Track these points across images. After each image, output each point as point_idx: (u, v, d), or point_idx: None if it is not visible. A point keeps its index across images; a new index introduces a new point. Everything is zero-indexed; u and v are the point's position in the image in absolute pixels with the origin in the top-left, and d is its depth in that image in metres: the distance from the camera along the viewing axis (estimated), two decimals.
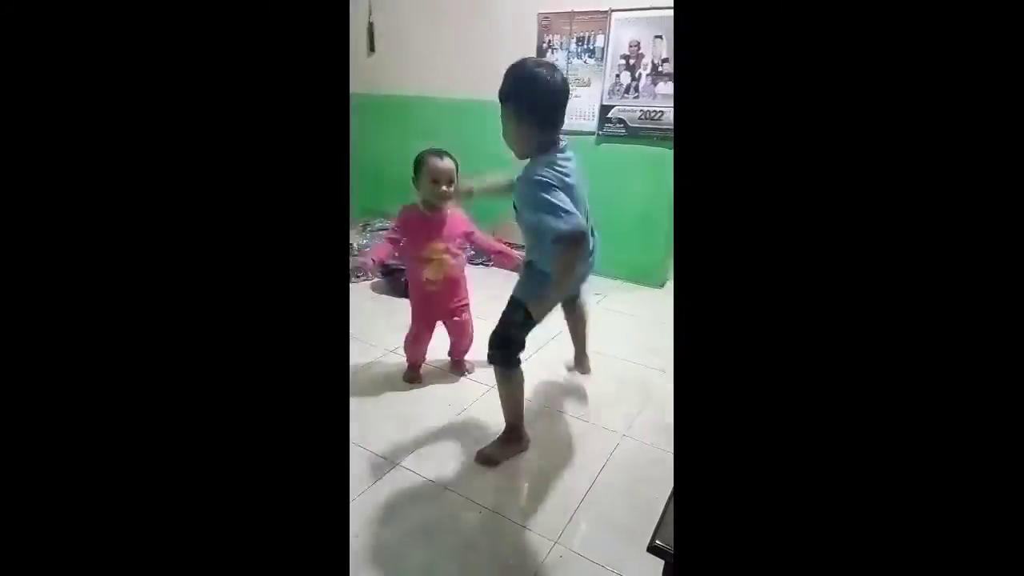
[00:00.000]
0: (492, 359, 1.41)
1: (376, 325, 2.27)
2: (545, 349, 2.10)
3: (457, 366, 1.96)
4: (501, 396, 1.47)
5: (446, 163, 1.61)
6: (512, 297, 1.38)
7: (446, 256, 1.72)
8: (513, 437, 1.51)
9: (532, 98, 1.17)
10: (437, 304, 1.79)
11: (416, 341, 1.87)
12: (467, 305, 1.86)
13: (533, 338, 1.43)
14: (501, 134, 1.26)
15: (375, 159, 3.57)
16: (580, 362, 1.84)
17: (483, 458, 1.48)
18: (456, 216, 1.74)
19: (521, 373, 1.45)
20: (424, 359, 1.92)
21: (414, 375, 1.90)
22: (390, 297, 2.65)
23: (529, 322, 1.35)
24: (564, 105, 1.21)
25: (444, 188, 1.61)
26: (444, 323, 1.84)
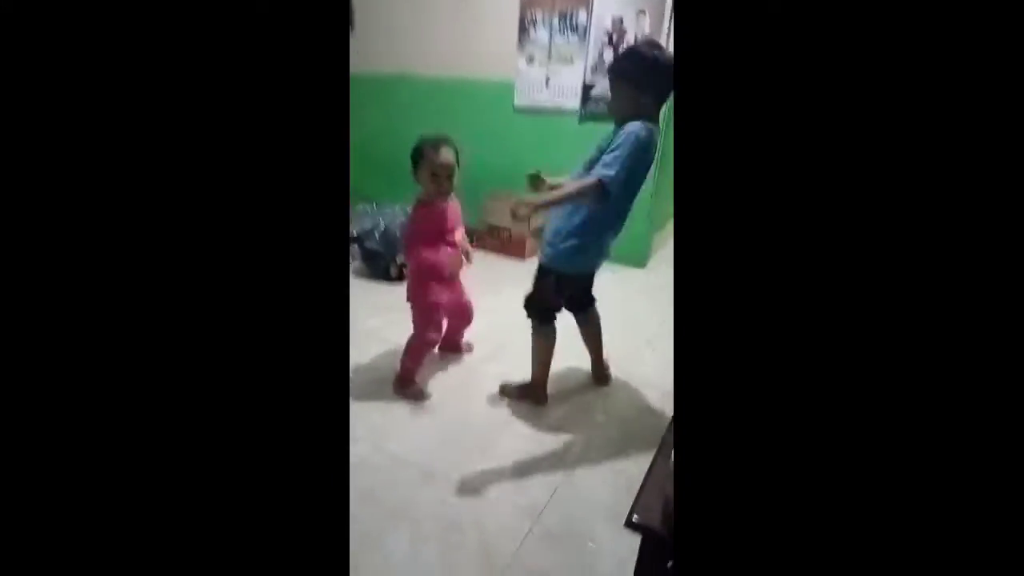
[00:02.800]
0: (529, 315, 1.59)
1: (357, 309, 2.23)
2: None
3: (457, 347, 1.95)
4: (532, 349, 1.63)
5: (444, 156, 1.47)
6: (542, 265, 1.51)
7: (462, 244, 1.63)
8: (532, 390, 1.67)
9: (649, 73, 1.32)
10: (449, 294, 1.69)
11: (430, 344, 1.71)
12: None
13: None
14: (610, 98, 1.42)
15: (354, 140, 3.48)
16: (598, 374, 1.82)
17: (503, 389, 1.72)
18: (456, 205, 1.61)
19: (554, 331, 1.59)
20: None
21: (418, 390, 1.69)
22: (369, 281, 2.62)
23: (567, 285, 1.51)
24: (668, 84, 1.35)
25: (444, 183, 1.49)
26: (447, 310, 1.74)
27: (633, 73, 1.33)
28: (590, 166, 1.38)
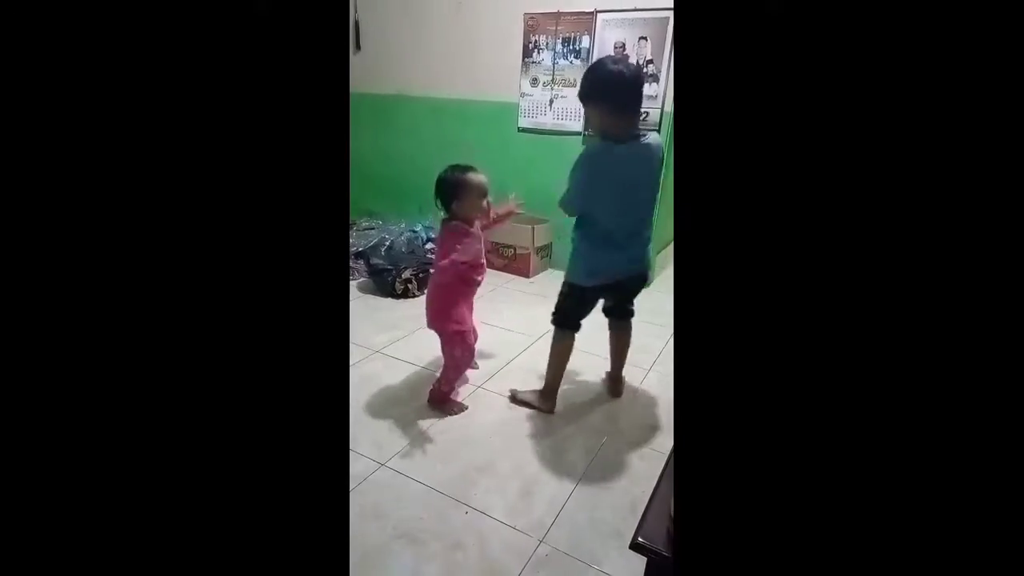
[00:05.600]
0: (553, 321, 1.68)
1: (362, 325, 2.25)
2: (533, 349, 2.11)
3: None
4: (550, 354, 1.70)
5: (482, 176, 1.55)
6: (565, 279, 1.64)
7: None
8: (545, 395, 1.72)
9: (605, 93, 1.36)
10: (470, 314, 1.73)
11: (467, 367, 1.76)
12: None
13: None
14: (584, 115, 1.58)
15: (362, 158, 3.54)
16: (614, 384, 1.85)
17: (513, 396, 1.77)
18: (479, 233, 1.64)
19: (572, 339, 1.67)
20: None
21: (457, 405, 1.74)
22: (376, 297, 2.64)
23: (578, 295, 1.59)
24: (632, 97, 1.37)
25: (487, 203, 1.57)
26: None
27: (596, 90, 1.35)
28: None
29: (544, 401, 1.72)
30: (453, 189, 1.52)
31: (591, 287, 1.58)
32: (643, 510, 0.71)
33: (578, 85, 1.42)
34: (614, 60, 1.41)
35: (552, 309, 1.68)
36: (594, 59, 2.76)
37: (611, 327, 1.78)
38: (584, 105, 1.43)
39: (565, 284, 1.61)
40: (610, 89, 1.34)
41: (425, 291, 1.92)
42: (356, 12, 3.38)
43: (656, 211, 1.58)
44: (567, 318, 1.64)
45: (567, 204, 1.49)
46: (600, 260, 1.52)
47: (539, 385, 1.75)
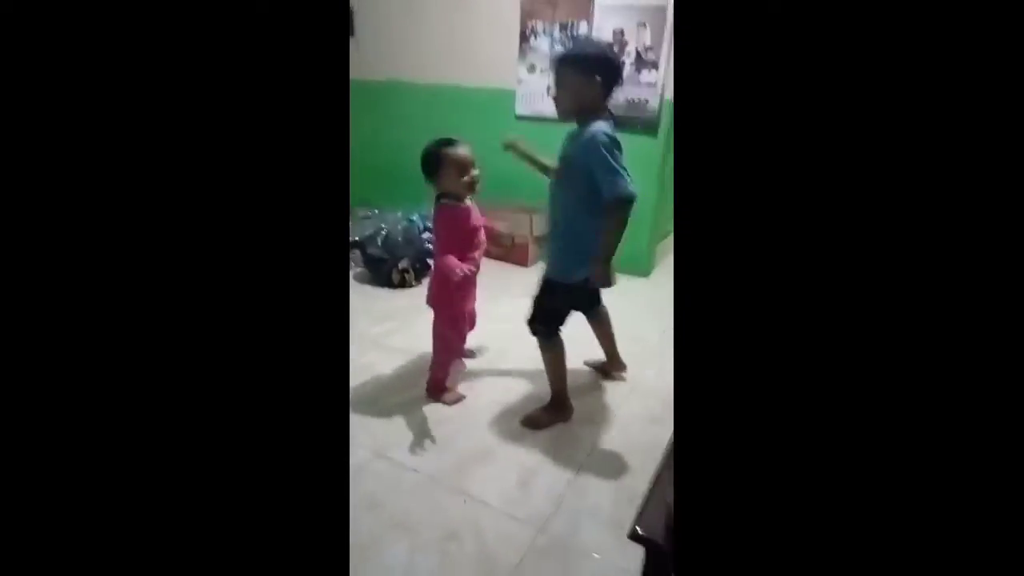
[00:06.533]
0: (534, 332, 1.57)
1: (359, 315, 2.24)
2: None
3: (465, 352, 1.93)
4: (546, 364, 1.60)
5: (466, 151, 1.49)
6: (549, 281, 1.51)
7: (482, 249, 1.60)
8: (557, 405, 1.62)
9: (604, 63, 1.33)
10: (470, 299, 1.68)
11: (458, 352, 1.73)
12: None
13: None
14: (550, 94, 1.43)
15: (357, 146, 3.48)
16: (614, 364, 1.86)
17: (528, 422, 1.61)
18: (474, 206, 1.59)
19: (561, 343, 1.58)
20: None
21: (455, 394, 1.72)
22: (371, 287, 2.62)
23: (564, 294, 1.49)
24: (621, 75, 1.39)
25: (475, 178, 1.50)
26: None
27: (581, 61, 1.33)
28: (564, 162, 1.42)
29: (559, 413, 1.62)
30: (435, 164, 1.48)
31: (575, 283, 1.46)
32: (641, 501, 0.70)
33: (560, 56, 1.37)
34: (599, 42, 1.42)
35: (532, 320, 1.55)
36: None
37: (591, 318, 1.76)
38: (572, 76, 1.33)
39: (554, 286, 1.48)
40: (605, 65, 1.32)
41: (424, 280, 1.90)
42: None
43: None
44: (554, 323, 1.54)
45: (628, 187, 1.28)
46: (589, 252, 1.43)
47: (537, 378, 1.74)
